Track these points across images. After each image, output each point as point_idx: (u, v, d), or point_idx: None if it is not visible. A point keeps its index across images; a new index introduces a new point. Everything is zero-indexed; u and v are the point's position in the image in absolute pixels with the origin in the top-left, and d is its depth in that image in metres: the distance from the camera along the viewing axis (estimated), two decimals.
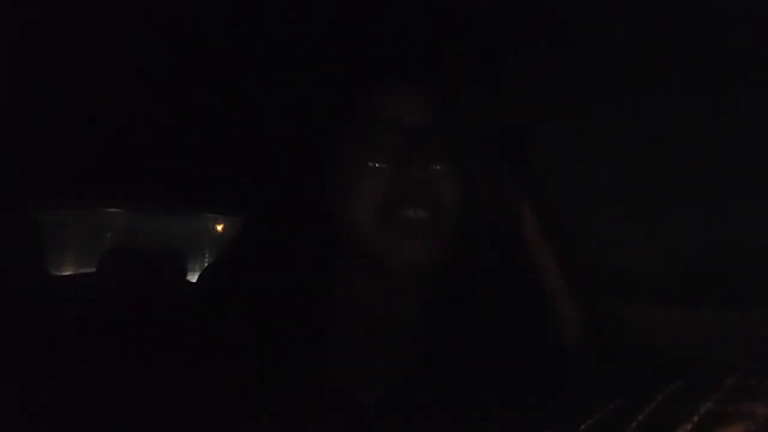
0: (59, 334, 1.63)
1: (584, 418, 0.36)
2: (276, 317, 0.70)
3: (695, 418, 0.31)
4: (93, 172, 1.74)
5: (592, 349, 0.86)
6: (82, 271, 2.70)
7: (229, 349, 0.68)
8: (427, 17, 0.78)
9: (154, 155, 1.62)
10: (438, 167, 0.69)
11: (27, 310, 1.63)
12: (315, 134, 0.75)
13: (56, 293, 2.03)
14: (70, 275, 2.70)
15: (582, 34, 0.70)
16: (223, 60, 0.99)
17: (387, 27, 0.79)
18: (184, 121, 1.37)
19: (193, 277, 2.38)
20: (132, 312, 1.83)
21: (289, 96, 0.95)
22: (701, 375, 0.36)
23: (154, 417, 0.72)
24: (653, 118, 0.73)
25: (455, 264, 0.74)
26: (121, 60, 1.01)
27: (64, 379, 1.51)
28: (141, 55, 0.99)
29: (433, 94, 0.74)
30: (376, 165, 0.68)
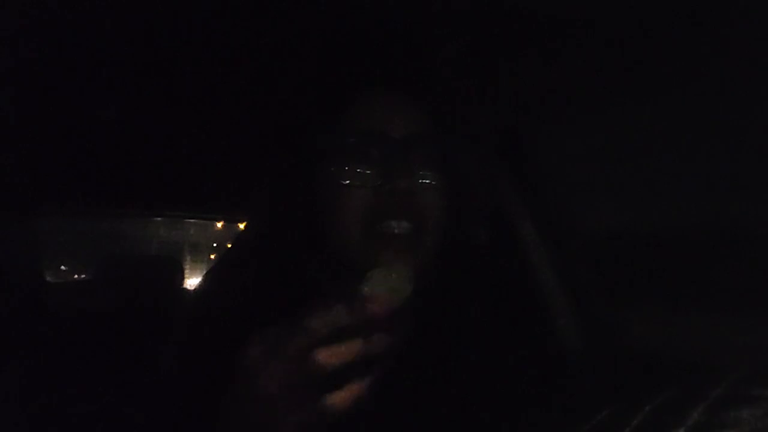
0: (57, 339, 1.63)
1: (577, 424, 0.36)
2: (268, 324, 0.70)
3: (682, 429, 0.31)
4: (91, 178, 1.74)
5: (587, 352, 0.86)
6: (79, 277, 2.70)
7: (225, 353, 0.68)
8: (412, 28, 0.78)
9: (150, 162, 1.62)
10: (423, 178, 0.69)
11: (25, 316, 1.63)
12: (301, 144, 0.75)
13: (53, 299, 2.03)
14: (67, 281, 2.69)
15: (576, 38, 0.71)
16: (216, 70, 0.99)
17: (373, 39, 0.79)
18: (180, 130, 1.37)
19: (188, 283, 2.38)
20: (128, 317, 1.83)
21: (277, 105, 0.95)
22: (692, 383, 0.36)
23: (152, 419, 0.72)
24: (651, 121, 0.73)
25: (445, 273, 0.74)
26: (120, 67, 1.02)
27: (62, 384, 1.51)
28: (138, 62, 1.00)
29: (418, 105, 0.74)
30: (360, 176, 0.68)
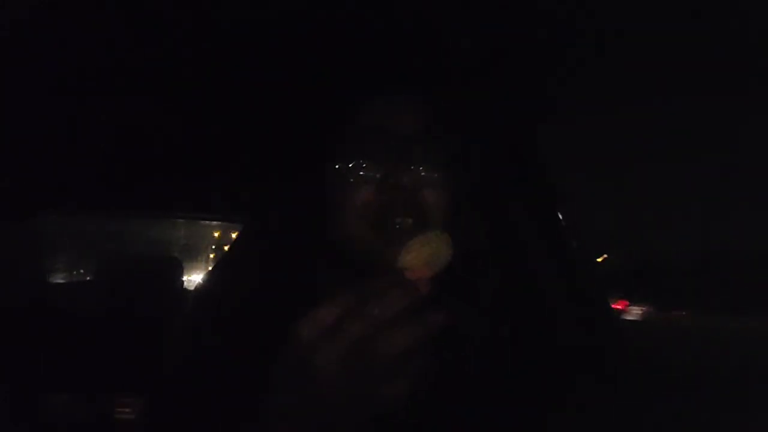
0: (59, 339, 1.64)
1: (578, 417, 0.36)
2: (274, 321, 0.70)
3: None
4: (92, 180, 1.74)
5: (589, 351, 0.86)
6: (81, 278, 2.71)
7: (227, 352, 0.68)
8: (421, 28, 0.79)
9: (153, 162, 1.62)
10: (428, 175, 0.70)
11: (27, 317, 1.63)
12: (309, 142, 0.76)
13: (56, 300, 2.03)
14: (69, 282, 2.70)
15: (581, 37, 0.70)
16: (223, 69, 0.99)
17: (381, 39, 0.80)
18: (182, 129, 1.37)
19: (189, 283, 2.38)
20: (130, 318, 1.84)
21: (284, 104, 0.96)
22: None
23: (155, 418, 0.72)
24: (656, 122, 0.72)
25: (449, 268, 0.74)
26: (122, 68, 1.02)
27: (64, 385, 1.51)
28: (143, 63, 0.99)
29: (424, 103, 0.75)
30: (365, 172, 0.69)
